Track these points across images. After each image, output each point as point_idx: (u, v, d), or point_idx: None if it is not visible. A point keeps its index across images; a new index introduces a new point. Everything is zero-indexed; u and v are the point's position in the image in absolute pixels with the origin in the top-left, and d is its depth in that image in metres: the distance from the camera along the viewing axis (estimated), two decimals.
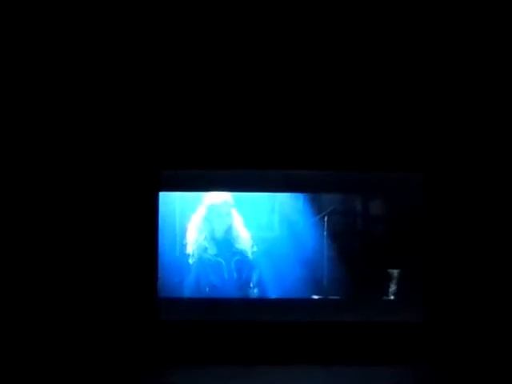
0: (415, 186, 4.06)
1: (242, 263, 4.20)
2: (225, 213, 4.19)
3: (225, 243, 4.22)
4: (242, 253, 4.21)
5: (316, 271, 4.13)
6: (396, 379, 3.65)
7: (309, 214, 4.15)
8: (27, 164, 4.00)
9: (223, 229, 4.21)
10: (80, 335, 3.90)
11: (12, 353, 3.67)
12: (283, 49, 3.87)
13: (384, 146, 4.07)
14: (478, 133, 4.00)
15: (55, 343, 3.85)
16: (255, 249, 4.16)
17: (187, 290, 4.14)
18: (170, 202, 4.15)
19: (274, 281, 4.15)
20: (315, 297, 4.12)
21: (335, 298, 4.11)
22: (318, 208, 4.14)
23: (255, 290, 4.17)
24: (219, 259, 4.20)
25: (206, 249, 4.22)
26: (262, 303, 4.15)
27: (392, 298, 4.07)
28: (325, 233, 4.10)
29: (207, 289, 4.15)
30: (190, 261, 4.19)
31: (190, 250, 4.20)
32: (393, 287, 4.06)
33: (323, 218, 4.11)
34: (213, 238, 4.22)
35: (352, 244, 4.13)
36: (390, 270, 4.07)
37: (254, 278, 4.20)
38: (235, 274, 4.20)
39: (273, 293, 4.15)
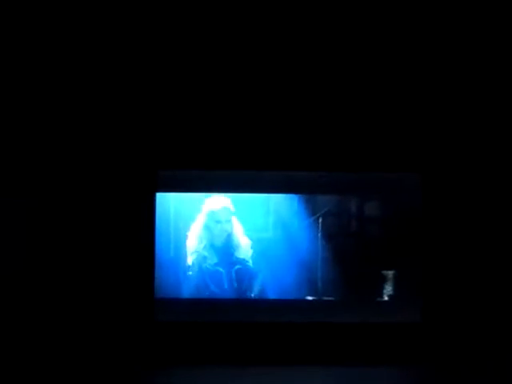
0: (413, 187, 4.07)
1: (243, 272, 4.14)
2: (225, 220, 4.16)
3: (225, 252, 4.16)
4: (242, 261, 4.15)
5: (311, 272, 4.11)
6: (394, 380, 3.69)
7: (309, 215, 4.15)
8: (25, 164, 3.98)
9: (223, 236, 4.16)
10: (78, 336, 3.83)
11: (11, 353, 3.62)
12: (280, 52, 3.94)
13: (382, 147, 4.11)
14: (476, 134, 4.06)
15: (54, 344, 3.78)
16: (250, 252, 4.12)
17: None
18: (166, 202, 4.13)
19: (270, 283, 4.12)
20: (309, 297, 4.09)
21: (334, 298, 4.09)
22: (315, 209, 4.14)
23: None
24: (219, 269, 4.14)
25: (205, 258, 4.15)
26: (259, 304, 4.10)
27: (390, 298, 4.04)
28: (319, 234, 4.10)
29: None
30: (190, 272, 4.11)
31: (189, 261, 4.13)
32: (391, 288, 4.04)
33: (318, 219, 4.13)
34: (212, 246, 4.16)
35: (350, 245, 4.12)
36: (389, 271, 4.05)
37: (255, 287, 4.14)
38: (235, 284, 4.14)
39: (270, 295, 4.12)
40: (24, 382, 3.29)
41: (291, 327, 3.98)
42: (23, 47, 3.88)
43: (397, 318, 3.98)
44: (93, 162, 4.04)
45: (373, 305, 4.03)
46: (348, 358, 3.84)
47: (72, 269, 3.92)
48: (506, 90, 4.00)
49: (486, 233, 4.00)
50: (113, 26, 3.80)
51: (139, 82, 4.04)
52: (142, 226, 4.00)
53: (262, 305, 4.08)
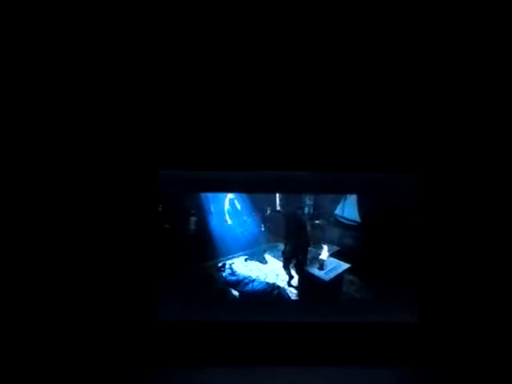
0: (410, 187, 4.08)
1: None
2: None
3: None
4: None
5: None
6: (392, 381, 3.69)
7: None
8: (24, 164, 3.93)
9: None
10: (78, 335, 3.84)
11: (11, 353, 3.60)
12: (280, 52, 3.87)
13: (378, 147, 4.09)
14: (474, 134, 4.05)
15: (54, 344, 3.78)
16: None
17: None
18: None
19: None
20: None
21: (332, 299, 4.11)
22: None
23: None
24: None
25: None
26: (260, 304, 4.10)
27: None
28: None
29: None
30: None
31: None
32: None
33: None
34: None
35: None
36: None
37: None
38: None
39: None
40: (24, 381, 3.32)
41: (291, 327, 4.00)
42: (23, 47, 3.77)
43: (394, 319, 4.02)
44: (92, 162, 4.03)
45: (370, 305, 4.06)
46: (345, 359, 3.88)
47: (72, 268, 3.92)
48: (504, 90, 3.98)
49: (484, 233, 4.03)
50: (112, 26, 3.70)
51: (139, 82, 3.98)
52: (142, 224, 4.01)
53: (263, 305, 4.09)
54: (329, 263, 4.13)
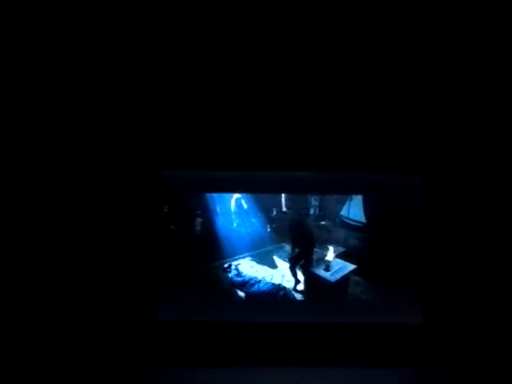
0: (414, 188, 4.08)
1: None
2: None
3: None
4: None
5: None
6: (396, 382, 3.66)
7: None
8: (27, 164, 3.94)
9: None
10: (79, 335, 3.82)
11: (10, 353, 3.57)
12: (280, 52, 3.88)
13: (383, 148, 4.10)
14: (478, 134, 4.05)
15: (54, 344, 3.75)
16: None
17: None
18: None
19: None
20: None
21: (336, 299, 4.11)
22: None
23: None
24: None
25: None
26: (261, 304, 4.10)
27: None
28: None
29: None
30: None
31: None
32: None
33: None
34: None
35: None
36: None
37: None
38: None
39: None
40: (24, 381, 3.29)
41: (292, 328, 3.98)
42: (23, 47, 3.79)
43: (400, 320, 4.00)
44: (96, 163, 4.04)
45: (375, 306, 4.04)
46: (350, 360, 3.84)
47: (74, 269, 3.91)
48: (506, 92, 3.98)
49: (489, 233, 4.01)
50: (114, 27, 3.72)
51: (143, 82, 3.99)
52: (144, 225, 4.00)
53: (269, 306, 4.08)
54: (335, 264, 4.13)
